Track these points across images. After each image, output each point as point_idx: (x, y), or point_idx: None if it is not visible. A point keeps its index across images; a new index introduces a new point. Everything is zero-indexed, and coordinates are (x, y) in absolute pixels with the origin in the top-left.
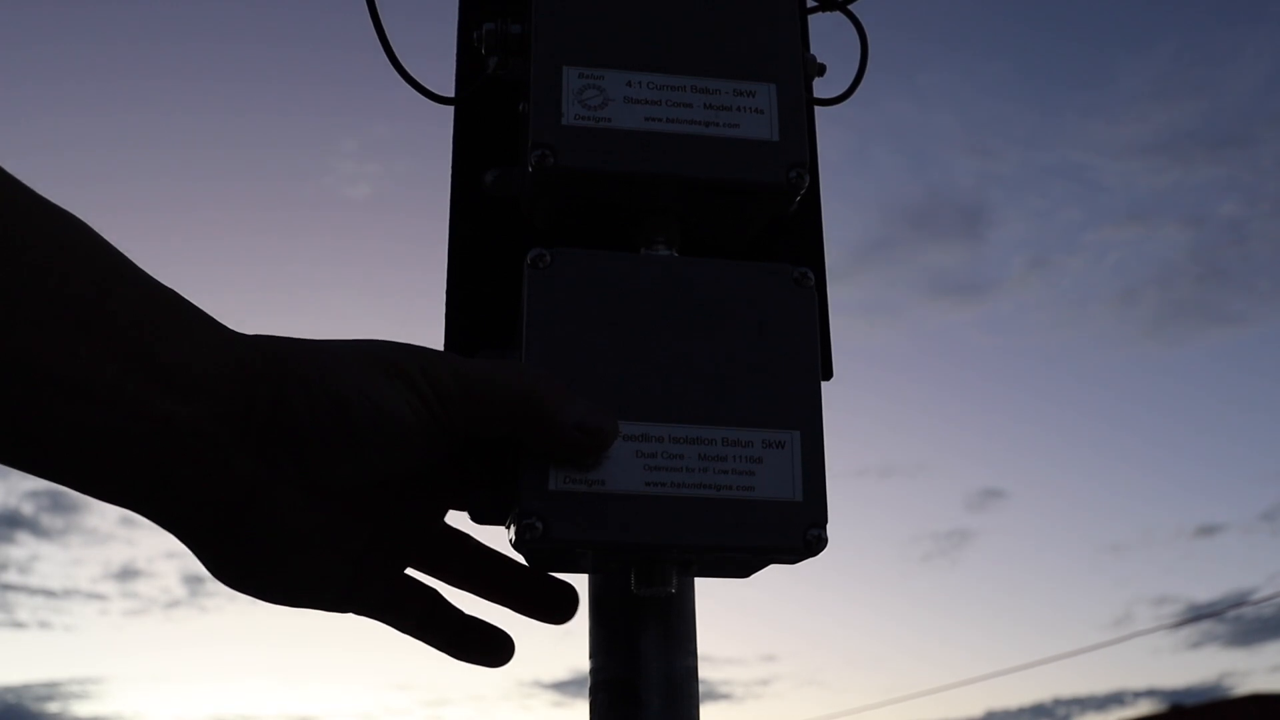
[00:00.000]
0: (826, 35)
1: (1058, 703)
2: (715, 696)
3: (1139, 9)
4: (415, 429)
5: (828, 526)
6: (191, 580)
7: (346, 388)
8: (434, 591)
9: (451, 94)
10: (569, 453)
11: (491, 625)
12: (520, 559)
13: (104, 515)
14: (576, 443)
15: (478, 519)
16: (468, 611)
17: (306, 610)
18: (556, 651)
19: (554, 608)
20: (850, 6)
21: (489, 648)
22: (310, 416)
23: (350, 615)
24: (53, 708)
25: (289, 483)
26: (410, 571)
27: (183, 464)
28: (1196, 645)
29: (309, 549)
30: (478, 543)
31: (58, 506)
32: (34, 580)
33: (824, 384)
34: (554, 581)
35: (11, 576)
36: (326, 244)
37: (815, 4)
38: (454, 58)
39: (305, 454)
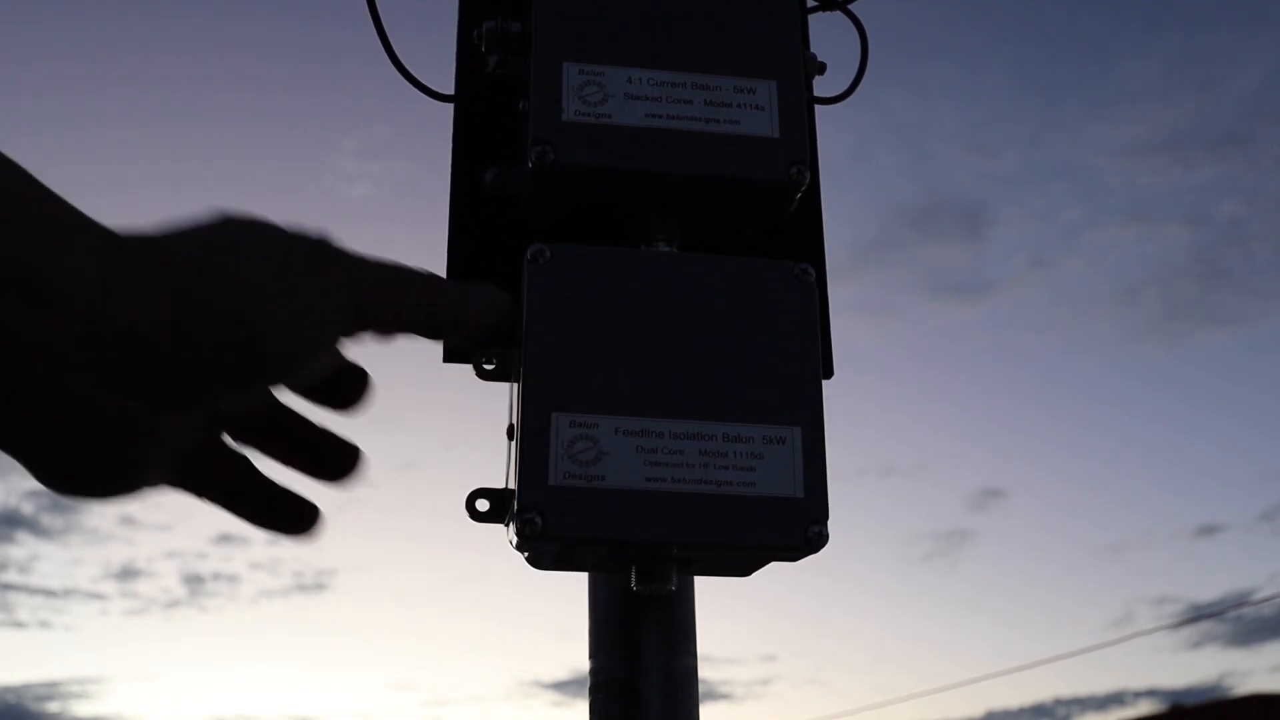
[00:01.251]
0: (826, 35)
1: (1058, 703)
2: (715, 696)
3: (1139, 9)
4: (328, 347)
5: (828, 524)
6: (191, 580)
7: (259, 316)
8: (243, 458)
9: (452, 92)
10: (480, 326)
11: (298, 494)
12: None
13: (104, 514)
14: (483, 321)
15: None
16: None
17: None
18: (557, 651)
19: (334, 470)
20: (850, 6)
21: (295, 517)
22: (212, 346)
23: (350, 617)
24: (53, 707)
25: (157, 403)
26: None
27: (32, 387)
28: (1196, 645)
29: (146, 448)
30: (280, 403)
31: (58, 506)
32: (34, 580)
33: (824, 383)
34: (344, 445)
35: (11, 576)
36: None
37: (815, 3)
38: (454, 56)
39: (190, 381)
